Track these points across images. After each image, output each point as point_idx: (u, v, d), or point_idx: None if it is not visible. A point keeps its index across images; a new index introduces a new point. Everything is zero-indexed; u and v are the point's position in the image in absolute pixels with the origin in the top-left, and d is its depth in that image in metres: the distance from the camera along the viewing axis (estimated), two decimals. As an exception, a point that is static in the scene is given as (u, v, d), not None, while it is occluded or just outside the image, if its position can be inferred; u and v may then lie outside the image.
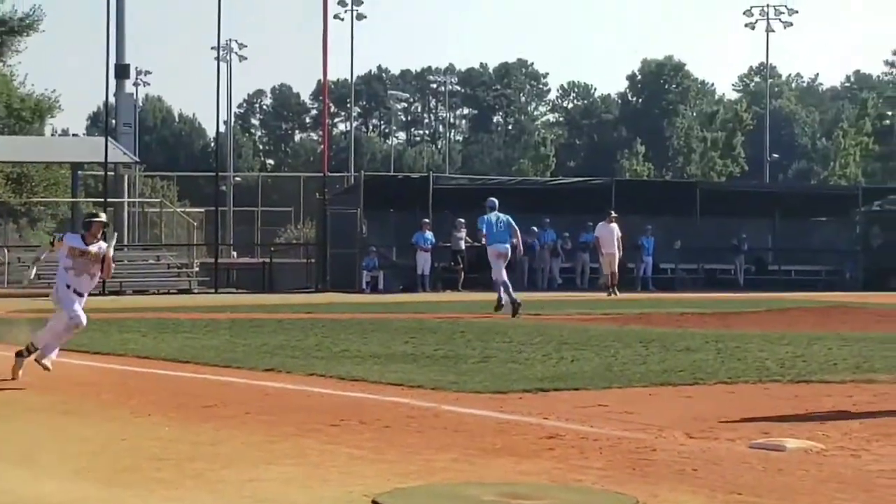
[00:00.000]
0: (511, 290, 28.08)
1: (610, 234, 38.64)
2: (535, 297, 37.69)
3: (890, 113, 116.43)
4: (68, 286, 15.03)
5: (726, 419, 12.09)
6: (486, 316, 27.63)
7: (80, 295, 15.15)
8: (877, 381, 15.25)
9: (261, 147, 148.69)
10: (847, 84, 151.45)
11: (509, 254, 28.66)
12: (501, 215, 28.80)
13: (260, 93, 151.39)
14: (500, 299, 27.93)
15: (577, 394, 14.04)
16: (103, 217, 15.85)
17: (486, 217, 28.73)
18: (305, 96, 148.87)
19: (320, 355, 18.40)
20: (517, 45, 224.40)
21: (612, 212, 39.56)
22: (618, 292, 37.95)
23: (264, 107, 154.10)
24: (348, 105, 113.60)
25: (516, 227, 28.94)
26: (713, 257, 50.95)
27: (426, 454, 10.24)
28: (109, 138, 46.02)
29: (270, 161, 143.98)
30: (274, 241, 60.70)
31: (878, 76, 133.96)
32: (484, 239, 28.98)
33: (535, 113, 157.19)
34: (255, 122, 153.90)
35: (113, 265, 15.45)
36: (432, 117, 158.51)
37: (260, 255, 52.08)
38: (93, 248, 15.06)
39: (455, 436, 11.16)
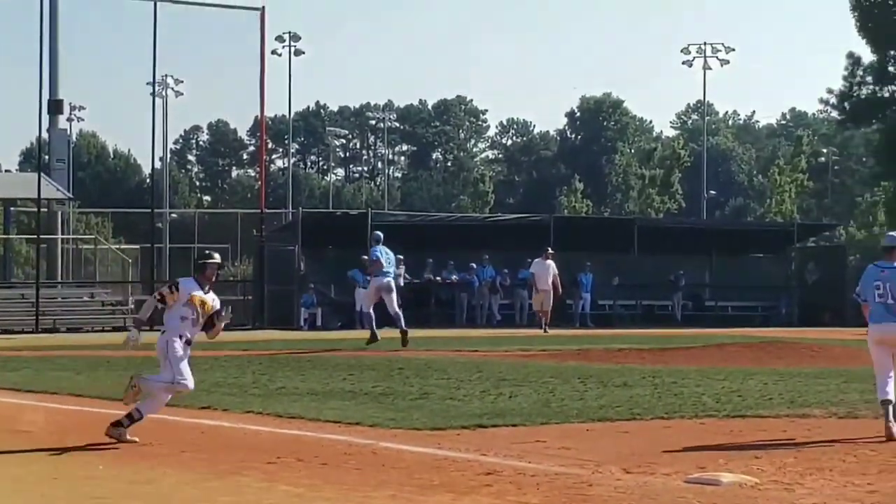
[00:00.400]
0: (374, 323, 28.94)
1: (545, 270, 38.69)
2: (473, 333, 37.73)
3: (825, 150, 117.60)
4: (180, 336, 13.34)
5: (663, 454, 12.15)
6: (425, 352, 27.60)
7: (189, 344, 13.47)
8: (811, 415, 15.39)
9: (197, 183, 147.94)
10: (783, 121, 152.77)
11: (392, 287, 29.13)
12: (388, 250, 29.44)
13: (196, 129, 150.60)
14: (380, 332, 28.87)
15: (515, 430, 14.07)
16: (218, 258, 13.96)
17: (379, 248, 29.26)
18: (242, 132, 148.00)
19: (257, 392, 18.33)
20: (456, 81, 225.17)
21: (549, 248, 39.64)
22: (546, 330, 37.90)
23: (201, 143, 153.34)
24: (286, 141, 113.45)
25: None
26: (651, 293, 51.12)
27: (364, 491, 10.22)
28: (42, 174, 45.64)
29: (207, 197, 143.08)
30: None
31: (814, 114, 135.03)
32: (370, 271, 29.56)
33: (475, 150, 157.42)
34: (191, 158, 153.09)
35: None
36: (371, 154, 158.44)
37: (196, 293, 51.73)
38: (210, 297, 13.61)
39: (393, 472, 11.15)
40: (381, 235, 29.75)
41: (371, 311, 29.15)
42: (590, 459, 11.72)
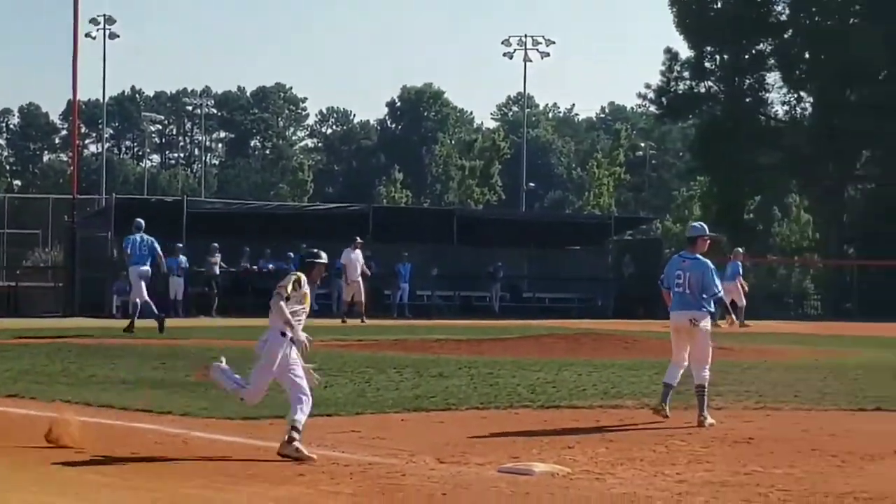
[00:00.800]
0: (154, 308, 29.35)
1: (355, 261, 38.67)
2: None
3: (643, 144, 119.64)
4: (283, 335, 11.92)
5: (477, 444, 12.18)
6: (240, 342, 27.26)
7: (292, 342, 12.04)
8: (623, 406, 15.59)
9: (7, 167, 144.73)
10: (602, 115, 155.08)
11: (150, 275, 29.60)
12: (147, 237, 29.74)
13: (6, 112, 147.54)
14: (132, 323, 28.93)
15: (330, 420, 13.98)
16: (325, 258, 12.52)
17: (131, 237, 29.67)
18: (55, 116, 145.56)
19: (66, 381, 17.93)
20: (275, 69, 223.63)
21: (358, 238, 39.50)
22: (345, 320, 37.82)
23: (11, 126, 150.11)
24: (100, 126, 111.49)
25: (159, 251, 29.91)
26: (469, 284, 51.40)
27: (174, 481, 10.06)
28: None
29: (18, 182, 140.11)
30: (21, 265, 59.00)
31: (632, 108, 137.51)
32: (127, 259, 29.76)
33: (294, 138, 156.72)
34: (1, 142, 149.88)
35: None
36: (188, 140, 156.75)
37: (6, 279, 50.58)
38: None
39: (204, 462, 11.00)
40: (143, 223, 30.22)
41: (148, 300, 29.35)
42: (404, 449, 11.70)
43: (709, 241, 14.91)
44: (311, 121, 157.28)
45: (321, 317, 42.44)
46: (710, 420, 13.93)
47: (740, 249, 42.09)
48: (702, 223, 15.63)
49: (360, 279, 38.56)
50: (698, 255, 14.63)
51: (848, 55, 64.10)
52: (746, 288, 40.58)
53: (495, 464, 10.86)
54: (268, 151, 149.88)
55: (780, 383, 18.63)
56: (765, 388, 17.80)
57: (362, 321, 37.40)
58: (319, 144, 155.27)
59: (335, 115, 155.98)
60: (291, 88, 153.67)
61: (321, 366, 20.32)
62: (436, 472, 10.55)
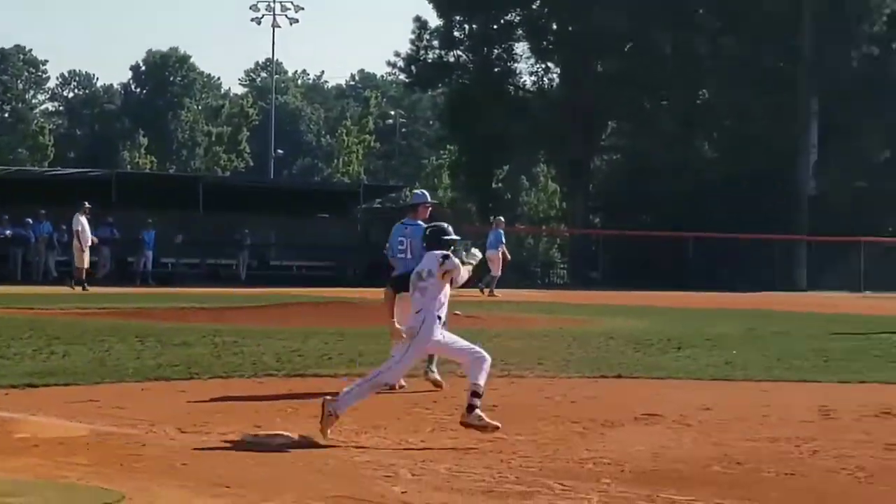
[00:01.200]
0: None
1: (86, 226, 38.16)
2: (27, 290, 36.58)
3: (392, 112, 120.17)
4: (438, 318, 11.07)
5: (219, 413, 12.02)
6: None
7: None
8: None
9: None
10: (352, 82, 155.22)
11: None
12: None
13: None
14: None
15: (68, 389, 13.67)
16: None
17: None
18: None
19: None
20: (14, 30, 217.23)
21: (86, 203, 38.70)
22: (86, 286, 37.23)
23: None
24: None
25: None
26: (216, 252, 50.91)
27: None
28: None
29: None
30: None
31: (382, 76, 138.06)
32: None
33: (34, 101, 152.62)
34: None
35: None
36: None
37: None
38: None
39: (-68, 434, 10.57)
40: None
41: None
42: (144, 419, 11.49)
43: (430, 208, 15.11)
44: (52, 84, 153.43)
45: (62, 284, 41.66)
46: (435, 375, 14.08)
47: (501, 218, 42.58)
48: (423, 191, 15.92)
49: (89, 245, 38.22)
50: (419, 222, 14.78)
51: (593, 27, 65.38)
52: (509, 257, 40.97)
53: (238, 433, 10.72)
54: (6, 115, 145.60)
55: (525, 351, 18.85)
56: (510, 356, 17.94)
57: (84, 288, 36.87)
58: (61, 108, 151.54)
59: (77, 79, 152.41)
60: (31, 51, 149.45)
61: (59, 334, 19.89)
62: (176, 442, 10.36)
